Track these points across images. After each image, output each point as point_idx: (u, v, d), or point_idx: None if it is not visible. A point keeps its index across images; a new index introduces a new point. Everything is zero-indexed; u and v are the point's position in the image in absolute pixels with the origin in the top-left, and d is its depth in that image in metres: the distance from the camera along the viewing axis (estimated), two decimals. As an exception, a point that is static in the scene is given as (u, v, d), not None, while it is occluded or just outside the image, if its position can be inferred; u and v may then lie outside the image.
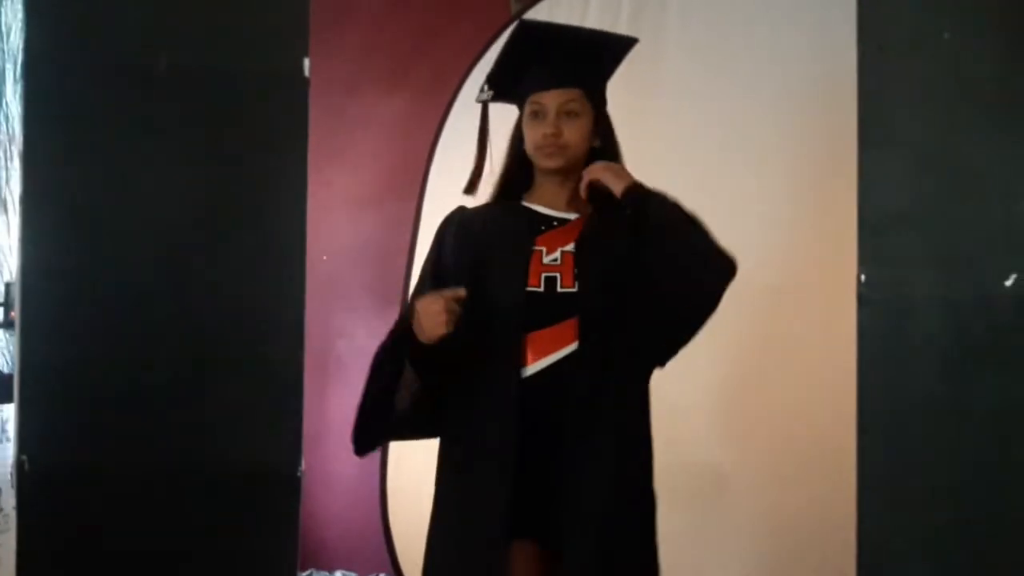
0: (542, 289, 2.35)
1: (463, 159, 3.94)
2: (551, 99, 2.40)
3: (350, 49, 4.49)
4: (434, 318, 2.22)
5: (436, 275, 2.44)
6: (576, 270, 2.37)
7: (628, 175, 2.35)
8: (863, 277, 2.29)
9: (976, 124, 2.23)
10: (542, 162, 2.42)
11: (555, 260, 2.39)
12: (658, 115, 3.53)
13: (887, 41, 2.29)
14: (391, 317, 4.13)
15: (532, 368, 2.33)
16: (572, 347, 2.34)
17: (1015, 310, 2.18)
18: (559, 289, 2.36)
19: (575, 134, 2.41)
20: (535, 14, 3.86)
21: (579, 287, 2.35)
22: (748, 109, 3.54)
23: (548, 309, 2.34)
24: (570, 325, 2.34)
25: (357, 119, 4.58)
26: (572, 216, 2.45)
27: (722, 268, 2.39)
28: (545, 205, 2.46)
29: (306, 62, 2.40)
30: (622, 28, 3.56)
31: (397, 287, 4.24)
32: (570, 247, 2.40)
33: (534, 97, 2.41)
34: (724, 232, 3.43)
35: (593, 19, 3.71)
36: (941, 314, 2.23)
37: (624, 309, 2.35)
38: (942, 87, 2.25)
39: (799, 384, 3.41)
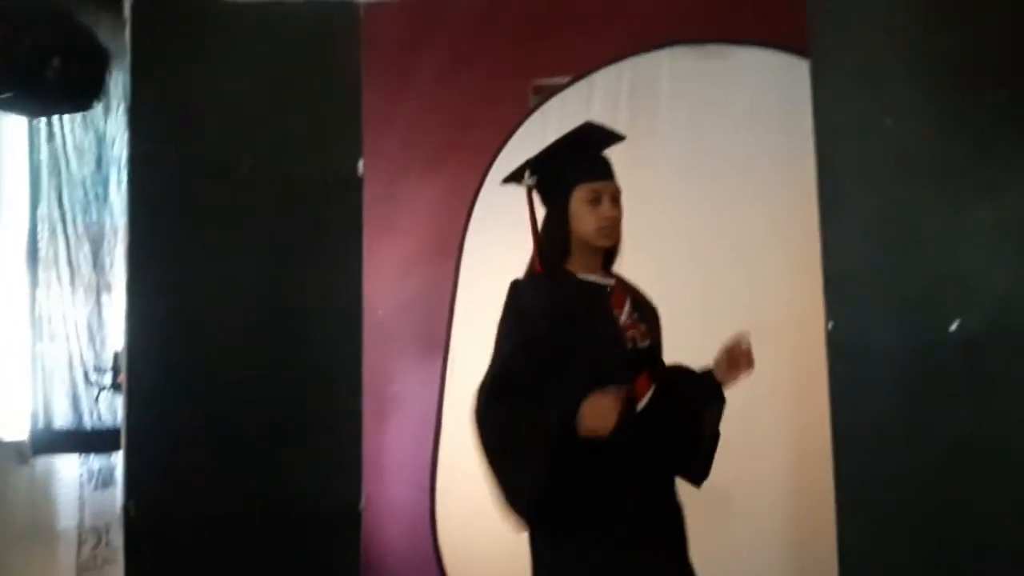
0: (631, 346, 2.39)
1: (492, 228, 4.04)
2: (605, 188, 2.42)
3: (396, 143, 4.54)
4: (608, 411, 2.21)
5: (527, 338, 2.37)
6: (643, 327, 2.41)
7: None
8: (830, 325, 2.30)
9: (916, 192, 2.29)
10: (600, 241, 2.42)
11: (627, 321, 2.42)
12: (654, 188, 3.57)
13: (839, 127, 2.33)
14: (435, 361, 4.21)
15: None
16: (651, 391, 2.38)
17: (960, 349, 2.20)
18: (639, 345, 2.39)
19: (620, 216, 2.45)
20: (548, 108, 3.93)
21: (649, 343, 2.40)
22: (728, 180, 3.58)
23: (637, 361, 2.38)
24: (646, 375, 2.38)
25: (404, 198, 4.63)
26: (611, 281, 2.48)
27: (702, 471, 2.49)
28: (588, 273, 2.47)
29: (360, 163, 2.46)
30: (621, 118, 3.62)
31: (440, 335, 4.27)
32: (628, 308, 2.44)
33: (589, 186, 2.42)
34: (710, 285, 3.49)
35: (596, 112, 3.75)
36: (897, 354, 2.25)
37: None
38: (886, 163, 2.30)
39: (782, 416, 3.42)
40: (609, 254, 2.53)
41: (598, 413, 2.23)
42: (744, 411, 3.41)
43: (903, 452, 2.22)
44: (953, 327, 2.19)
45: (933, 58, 2.30)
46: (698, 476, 2.51)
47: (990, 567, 2.14)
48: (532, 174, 2.51)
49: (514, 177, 2.55)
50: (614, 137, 2.58)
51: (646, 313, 2.51)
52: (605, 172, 2.46)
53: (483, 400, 2.42)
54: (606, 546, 2.33)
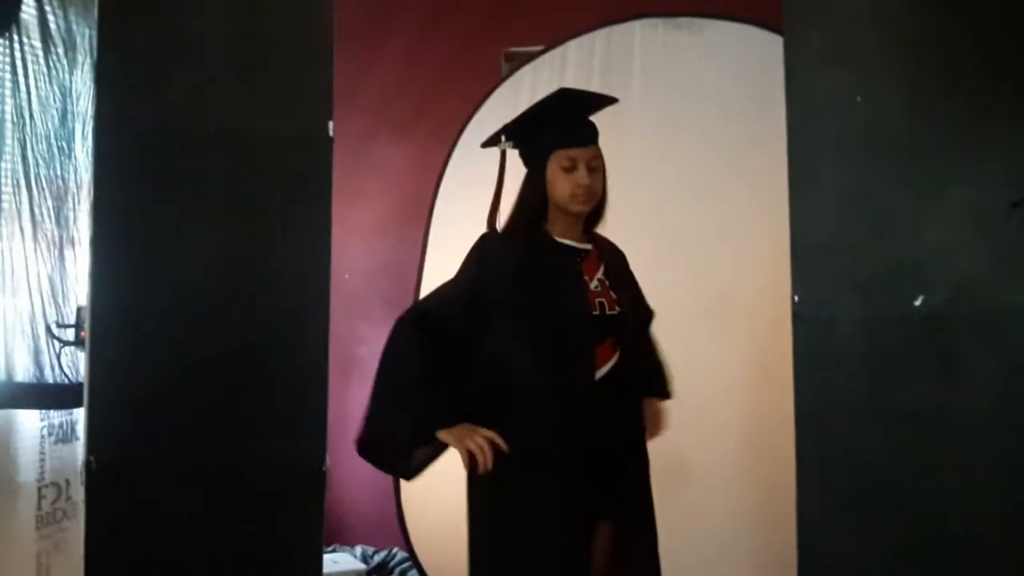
0: (597, 312, 2.39)
1: (462, 194, 4.03)
2: (582, 155, 2.43)
3: (367, 106, 4.53)
4: (480, 451, 2.26)
5: (477, 288, 2.40)
6: (614, 295, 2.42)
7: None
8: (796, 298, 2.31)
9: (885, 170, 2.30)
10: (575, 207, 2.44)
11: (597, 287, 2.43)
12: (626, 159, 3.56)
13: (810, 103, 2.33)
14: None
15: (598, 374, 2.39)
16: (615, 358, 2.39)
17: (924, 325, 2.21)
18: (607, 312, 2.40)
19: (598, 183, 2.46)
20: (521, 76, 3.91)
21: (619, 310, 2.41)
22: (700, 154, 3.58)
23: (601, 328, 2.38)
24: (611, 340, 2.40)
25: (373, 161, 4.61)
26: (588, 247, 2.50)
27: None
28: (568, 238, 2.48)
29: (330, 124, 2.42)
30: (594, 87, 3.59)
31: (408, 299, 4.24)
32: (600, 275, 2.45)
33: (565, 152, 2.43)
34: (680, 255, 3.49)
35: (569, 79, 3.74)
36: (863, 329, 2.27)
37: (637, 325, 2.53)
38: (856, 140, 2.32)
39: (747, 384, 3.44)
40: (592, 219, 2.53)
41: (474, 442, 2.27)
42: (711, 385, 3.46)
43: (865, 426, 2.24)
44: (917, 302, 2.21)
45: (908, 37, 2.31)
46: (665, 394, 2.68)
47: (951, 541, 2.17)
48: (508, 139, 2.51)
49: (491, 142, 2.55)
50: (595, 101, 2.57)
51: (622, 282, 2.52)
52: (582, 139, 2.46)
53: (403, 323, 2.42)
54: (548, 510, 2.34)
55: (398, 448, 2.40)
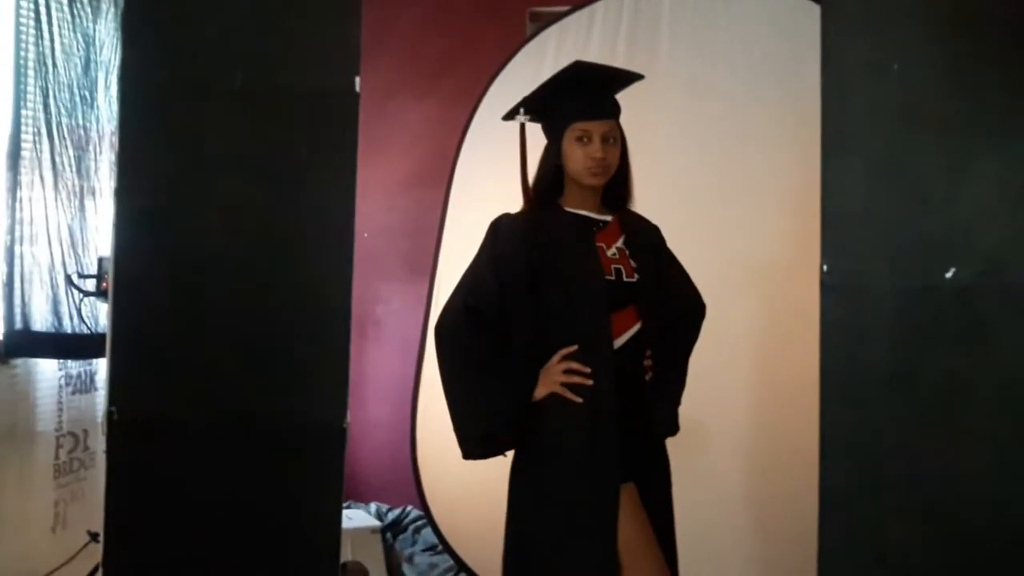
0: (614, 278, 2.38)
1: (484, 155, 3.99)
2: (596, 128, 2.42)
3: (390, 62, 4.49)
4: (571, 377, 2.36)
5: (499, 270, 2.43)
6: (633, 264, 2.40)
7: None
8: (825, 267, 2.28)
9: (920, 140, 2.25)
10: (588, 180, 2.44)
11: (614, 254, 2.42)
12: (650, 126, 3.51)
13: (845, 72, 2.28)
14: (421, 285, 4.19)
15: (617, 343, 2.38)
16: (637, 327, 2.39)
17: (954, 298, 2.18)
18: (624, 279, 2.39)
19: (614, 157, 2.45)
20: (546, 37, 3.85)
21: (638, 278, 2.39)
22: (726, 122, 3.53)
23: (619, 295, 2.38)
24: (632, 309, 2.40)
25: (395, 120, 4.58)
26: (608, 218, 2.49)
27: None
28: (585, 210, 2.47)
29: (357, 80, 2.38)
30: (620, 52, 3.55)
31: (427, 260, 4.23)
32: (620, 244, 2.44)
33: (580, 125, 2.42)
34: (703, 221, 3.45)
35: (595, 44, 3.68)
36: (891, 300, 2.23)
37: (662, 297, 2.50)
38: (891, 109, 2.26)
39: (773, 356, 3.42)
40: (615, 193, 2.52)
41: (551, 385, 2.36)
42: (724, 349, 3.44)
43: (890, 397, 2.21)
44: (948, 274, 2.17)
45: (946, 6, 2.25)
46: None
47: (973, 513, 2.15)
48: (525, 113, 2.51)
49: (510, 115, 2.55)
50: (613, 75, 2.54)
51: (648, 254, 2.50)
52: (596, 111, 2.44)
53: (450, 321, 2.43)
54: (575, 476, 2.35)
55: (505, 428, 2.42)
